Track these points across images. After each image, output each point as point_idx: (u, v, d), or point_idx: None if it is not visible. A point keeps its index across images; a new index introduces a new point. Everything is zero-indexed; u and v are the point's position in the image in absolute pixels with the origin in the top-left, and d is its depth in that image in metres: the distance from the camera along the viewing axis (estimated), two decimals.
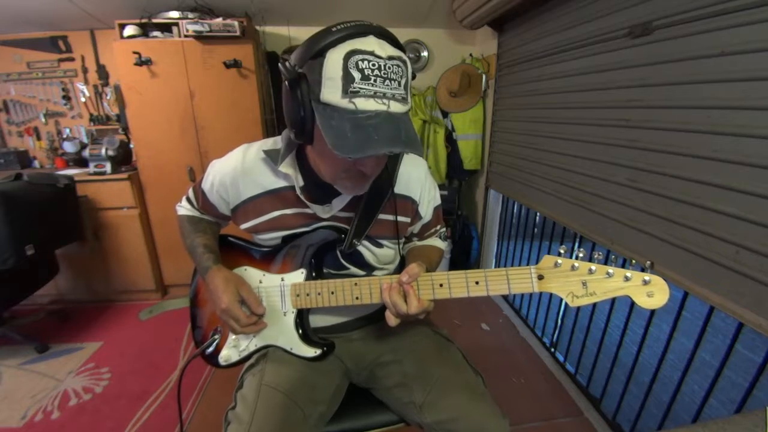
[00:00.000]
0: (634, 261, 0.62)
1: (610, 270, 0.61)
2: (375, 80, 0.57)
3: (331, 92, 0.58)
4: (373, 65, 0.57)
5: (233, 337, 0.84)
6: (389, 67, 0.58)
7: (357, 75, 0.57)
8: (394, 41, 0.62)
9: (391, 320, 0.70)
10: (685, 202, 1.03)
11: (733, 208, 0.90)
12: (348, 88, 0.57)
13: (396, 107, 0.60)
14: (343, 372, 0.88)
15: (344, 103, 0.58)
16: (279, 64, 0.63)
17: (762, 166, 0.84)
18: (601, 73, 1.33)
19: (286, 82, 0.62)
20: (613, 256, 0.64)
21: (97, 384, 1.68)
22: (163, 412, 1.52)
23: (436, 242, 0.94)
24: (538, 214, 2.07)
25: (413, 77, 0.66)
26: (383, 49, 0.58)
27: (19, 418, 1.49)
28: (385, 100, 0.59)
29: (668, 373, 1.33)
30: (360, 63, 0.57)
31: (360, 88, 0.57)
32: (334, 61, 0.57)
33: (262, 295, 0.81)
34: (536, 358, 1.87)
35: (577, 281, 0.63)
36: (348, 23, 0.59)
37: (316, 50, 0.58)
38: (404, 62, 0.61)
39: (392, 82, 0.59)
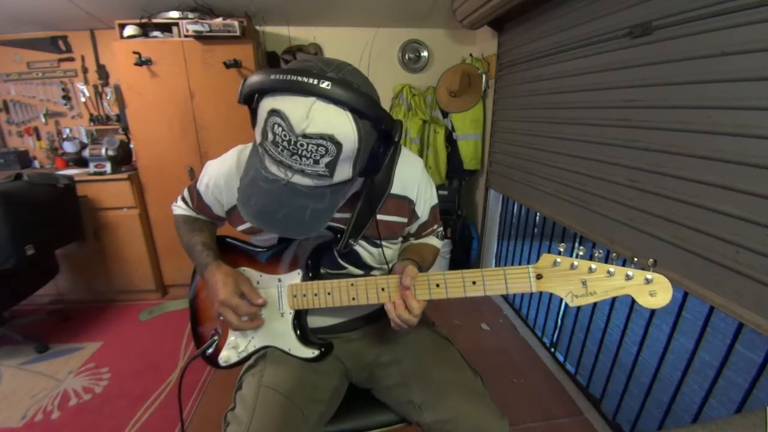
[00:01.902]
0: (636, 259, 0.59)
1: (611, 268, 0.59)
2: (282, 151, 0.54)
3: (257, 134, 0.59)
4: (285, 136, 0.53)
5: (232, 337, 0.84)
6: (301, 145, 0.53)
7: (270, 136, 0.55)
8: (349, 106, 0.53)
9: (404, 330, 0.71)
10: (685, 202, 1.03)
11: (733, 208, 0.90)
12: (262, 143, 0.57)
13: (300, 180, 0.57)
14: (342, 372, 0.88)
15: (260, 150, 0.58)
16: (239, 90, 0.61)
17: (762, 166, 0.84)
18: (601, 73, 1.33)
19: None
20: (614, 254, 0.61)
21: (97, 384, 1.68)
22: (163, 412, 1.52)
23: (432, 241, 0.94)
24: (538, 214, 2.07)
25: (394, 137, 0.59)
26: (308, 120, 0.52)
27: (19, 418, 1.49)
28: (288, 172, 0.56)
29: (668, 373, 1.33)
30: (275, 127, 0.53)
31: (269, 149, 0.56)
32: (263, 109, 0.56)
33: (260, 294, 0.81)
34: (536, 358, 1.87)
35: (576, 280, 0.61)
36: (299, 72, 0.52)
37: (256, 89, 0.57)
38: (335, 142, 0.53)
39: (303, 159, 0.54)
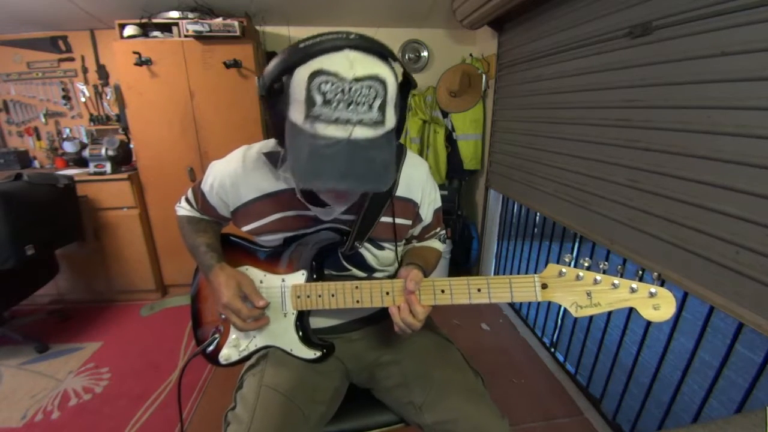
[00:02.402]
0: (641, 272, 0.60)
1: (616, 281, 0.60)
2: (337, 105, 0.53)
3: (296, 114, 0.56)
4: (337, 88, 0.53)
5: (234, 336, 0.84)
6: (356, 90, 0.53)
7: (319, 99, 0.53)
8: (378, 51, 0.57)
9: (407, 333, 0.71)
10: (685, 202, 1.03)
11: (733, 208, 0.90)
12: (309, 113, 0.54)
13: (362, 133, 0.55)
14: (343, 373, 0.88)
15: (306, 126, 0.55)
16: (256, 79, 0.61)
17: (762, 166, 0.84)
18: (601, 73, 1.33)
19: (260, 98, 0.61)
20: (619, 266, 0.62)
21: (97, 384, 1.68)
22: (163, 412, 1.52)
23: (435, 244, 0.94)
24: (538, 214, 2.07)
25: (414, 86, 0.63)
26: (353, 67, 0.53)
27: (19, 418, 1.49)
28: (347, 126, 0.54)
29: (668, 373, 1.33)
30: (322, 86, 0.53)
31: (320, 113, 0.54)
32: (299, 80, 0.55)
33: (263, 295, 0.81)
34: (536, 358, 1.87)
35: (581, 291, 0.62)
36: (322, 36, 0.56)
37: (285, 67, 0.56)
38: (381, 81, 0.55)
39: (360, 106, 0.54)
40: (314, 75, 0.53)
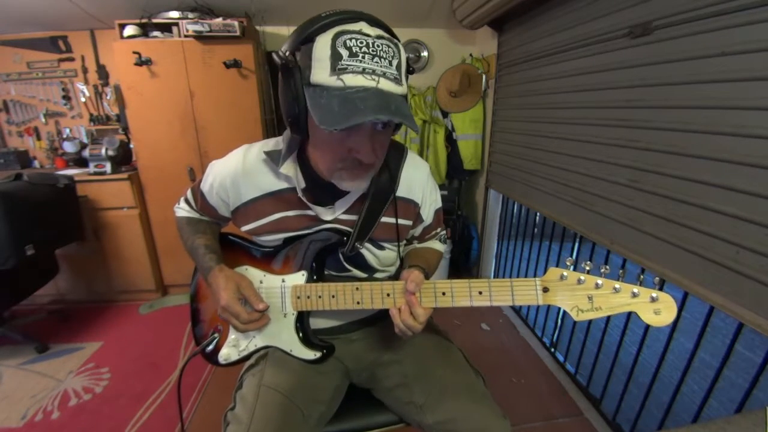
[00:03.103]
0: (642, 276, 0.60)
1: (617, 285, 0.60)
2: (363, 57, 0.57)
3: (320, 72, 0.58)
4: (361, 42, 0.57)
5: (233, 336, 0.84)
6: (378, 45, 0.58)
7: (345, 53, 0.57)
8: (387, 28, 0.63)
9: (407, 335, 0.71)
10: (685, 202, 1.03)
11: (733, 208, 0.90)
12: (336, 66, 0.57)
13: (387, 85, 0.59)
14: (343, 372, 0.88)
15: (332, 81, 0.58)
16: (272, 54, 0.63)
17: (762, 166, 0.84)
18: (601, 73, 1.33)
19: (280, 71, 0.63)
20: (620, 270, 0.62)
21: (97, 384, 1.68)
22: (163, 412, 1.52)
23: (436, 245, 0.94)
24: (538, 214, 2.07)
25: (411, 71, 0.66)
26: (374, 31, 0.59)
27: (19, 418, 1.49)
28: (374, 77, 0.58)
29: (668, 373, 1.33)
30: (348, 41, 0.57)
31: (348, 65, 0.57)
32: (323, 43, 0.58)
33: (263, 296, 0.81)
34: (536, 358, 1.87)
35: (582, 295, 0.62)
36: (339, 10, 0.60)
37: (305, 35, 0.59)
38: (395, 44, 0.61)
39: (382, 60, 0.58)
40: (338, 34, 0.57)
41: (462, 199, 2.73)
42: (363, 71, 0.57)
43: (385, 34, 0.61)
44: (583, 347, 1.65)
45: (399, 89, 0.61)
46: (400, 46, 0.62)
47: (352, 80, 0.57)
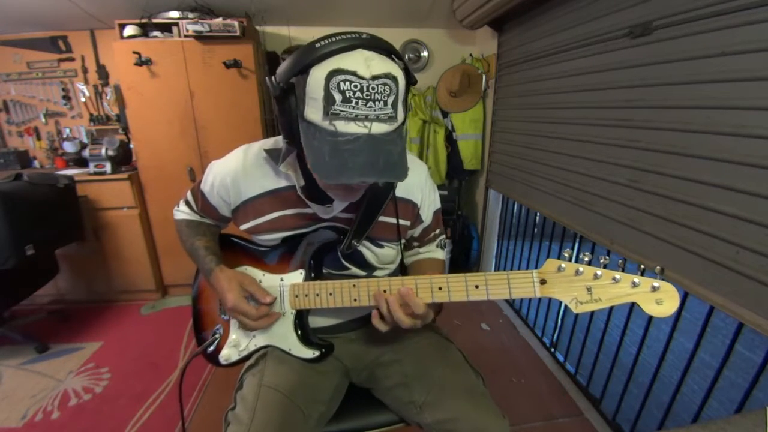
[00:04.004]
0: (642, 266, 0.58)
1: (617, 275, 0.58)
2: (356, 102, 0.55)
3: (313, 112, 0.58)
4: (355, 86, 0.55)
5: (233, 336, 0.84)
6: (372, 88, 0.56)
7: (338, 97, 0.55)
8: (387, 50, 0.60)
9: (382, 326, 0.70)
10: (685, 202, 1.03)
11: (733, 208, 0.90)
12: (329, 110, 0.56)
13: (379, 128, 0.58)
14: (342, 372, 0.88)
15: (325, 124, 0.57)
16: (266, 79, 0.62)
17: (762, 166, 0.84)
18: (601, 73, 1.33)
19: (273, 99, 0.62)
20: (619, 261, 0.60)
21: (97, 384, 1.68)
22: (163, 412, 1.52)
23: (437, 253, 0.93)
24: (538, 214, 2.07)
25: (414, 82, 0.64)
26: (369, 67, 0.56)
27: (19, 418, 1.49)
28: (366, 123, 0.57)
29: (668, 373, 1.33)
30: (341, 84, 0.55)
31: (341, 110, 0.56)
32: (316, 79, 0.56)
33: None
34: (536, 358, 1.87)
35: (581, 286, 0.60)
36: (335, 37, 0.57)
37: (300, 67, 0.57)
38: (393, 78, 0.58)
39: (376, 103, 0.56)
40: (332, 74, 0.55)
41: (462, 199, 2.73)
42: (355, 118, 0.56)
43: (382, 70, 0.57)
44: (583, 347, 1.65)
45: (391, 126, 0.59)
46: (399, 77, 0.59)
47: (344, 127, 0.57)
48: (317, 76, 0.56)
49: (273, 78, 0.62)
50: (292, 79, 0.59)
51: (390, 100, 0.58)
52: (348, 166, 0.56)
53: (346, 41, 0.57)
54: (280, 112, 0.63)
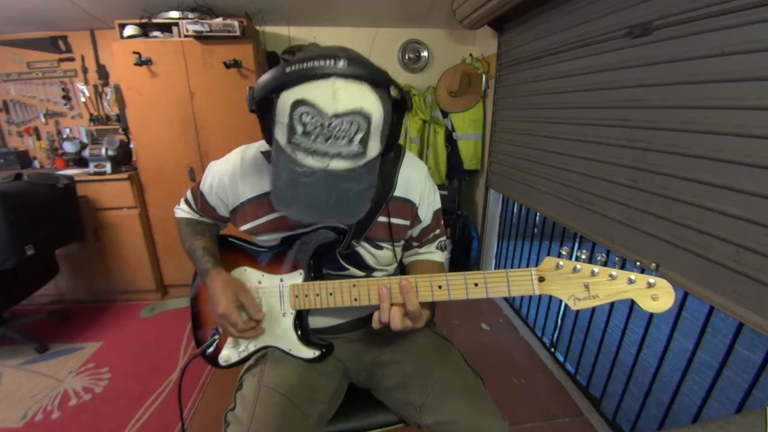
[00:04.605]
0: (638, 263, 0.59)
1: (614, 272, 0.59)
2: (316, 138, 0.54)
3: (280, 136, 0.58)
4: (316, 122, 0.53)
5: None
6: (335, 126, 0.53)
7: (299, 128, 0.54)
8: (369, 78, 0.55)
9: (376, 323, 0.70)
10: (685, 202, 1.03)
11: (733, 208, 0.90)
12: (291, 139, 0.56)
13: (339, 165, 0.56)
14: (342, 372, 0.88)
15: (288, 150, 0.57)
16: (247, 90, 0.60)
17: (762, 166, 0.84)
18: (601, 73, 1.33)
19: (250, 111, 0.62)
20: (616, 258, 0.62)
21: (97, 384, 1.68)
22: (163, 412, 1.52)
23: (436, 255, 0.92)
24: (538, 214, 2.07)
25: (408, 108, 0.62)
26: (336, 100, 0.53)
27: (19, 418, 1.49)
28: (325, 159, 0.56)
29: (668, 373, 1.33)
30: (303, 117, 0.53)
31: (300, 142, 0.55)
32: (284, 104, 0.55)
33: (261, 296, 0.81)
34: (536, 358, 1.87)
35: (579, 284, 0.61)
36: (311, 60, 0.53)
37: (272, 87, 0.56)
38: (364, 116, 0.54)
39: (338, 140, 0.54)
40: (296, 104, 0.54)
41: (462, 199, 2.73)
42: (314, 153, 0.55)
43: (351, 107, 0.53)
44: (583, 347, 1.65)
45: (357, 163, 0.57)
46: (374, 112, 0.55)
47: (303, 159, 0.56)
48: (285, 100, 0.55)
49: (252, 90, 0.61)
50: (268, 97, 0.58)
51: (357, 138, 0.55)
52: (298, 199, 0.57)
53: (320, 68, 0.53)
54: (260, 123, 0.63)
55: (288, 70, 0.54)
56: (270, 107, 0.58)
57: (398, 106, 0.61)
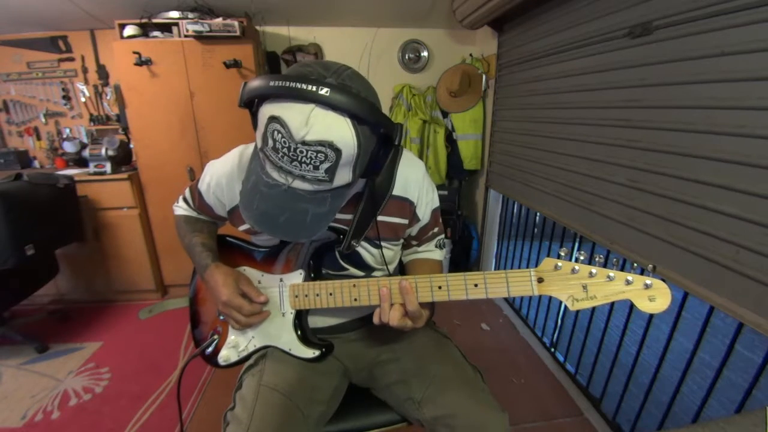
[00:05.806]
0: (636, 264, 0.60)
1: (611, 273, 0.60)
2: (282, 157, 0.55)
3: (258, 140, 0.59)
4: (285, 143, 0.53)
5: (232, 337, 0.84)
6: (301, 152, 0.53)
7: (270, 143, 0.55)
8: (351, 112, 0.53)
9: (377, 319, 0.71)
10: (685, 202, 1.03)
11: (733, 208, 0.90)
12: (263, 149, 0.57)
13: (301, 185, 0.57)
14: (342, 372, 0.88)
15: (261, 156, 0.59)
16: (242, 85, 0.61)
17: (762, 166, 0.84)
18: (601, 73, 1.33)
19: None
20: (614, 259, 0.62)
21: (97, 384, 1.68)
22: (163, 412, 1.52)
23: (434, 254, 0.92)
24: (538, 214, 2.07)
25: (397, 142, 0.60)
26: (308, 127, 0.52)
27: (19, 418, 1.49)
28: (289, 177, 0.57)
29: (668, 373, 1.33)
30: (275, 134, 0.54)
31: (269, 156, 0.56)
32: (263, 115, 0.56)
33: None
34: (536, 358, 1.87)
35: (577, 284, 0.62)
36: (297, 80, 0.52)
37: (256, 94, 0.57)
38: (334, 148, 0.53)
39: (303, 164, 0.54)
40: (271, 119, 0.54)
41: (462, 199, 2.73)
42: (279, 168, 0.56)
43: (316, 140, 0.52)
44: (583, 347, 1.65)
45: (321, 187, 0.58)
46: (346, 146, 0.54)
47: (270, 170, 0.58)
48: (264, 112, 0.56)
49: (243, 88, 0.61)
50: (255, 101, 0.60)
51: (323, 167, 0.55)
52: (254, 207, 0.59)
53: (302, 91, 0.52)
54: (251, 119, 0.63)
55: (272, 84, 0.54)
56: (255, 114, 0.60)
57: (387, 138, 0.60)
